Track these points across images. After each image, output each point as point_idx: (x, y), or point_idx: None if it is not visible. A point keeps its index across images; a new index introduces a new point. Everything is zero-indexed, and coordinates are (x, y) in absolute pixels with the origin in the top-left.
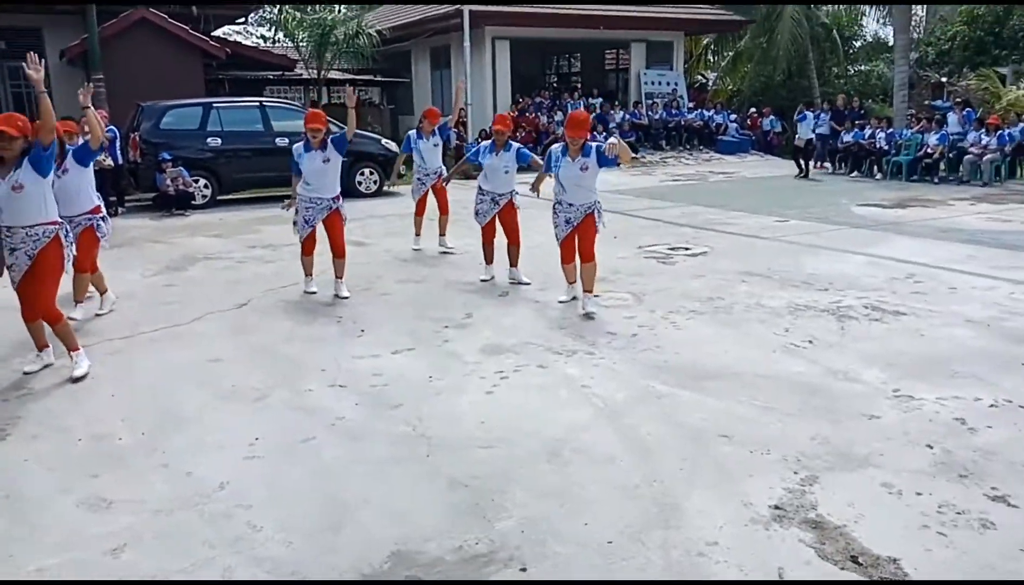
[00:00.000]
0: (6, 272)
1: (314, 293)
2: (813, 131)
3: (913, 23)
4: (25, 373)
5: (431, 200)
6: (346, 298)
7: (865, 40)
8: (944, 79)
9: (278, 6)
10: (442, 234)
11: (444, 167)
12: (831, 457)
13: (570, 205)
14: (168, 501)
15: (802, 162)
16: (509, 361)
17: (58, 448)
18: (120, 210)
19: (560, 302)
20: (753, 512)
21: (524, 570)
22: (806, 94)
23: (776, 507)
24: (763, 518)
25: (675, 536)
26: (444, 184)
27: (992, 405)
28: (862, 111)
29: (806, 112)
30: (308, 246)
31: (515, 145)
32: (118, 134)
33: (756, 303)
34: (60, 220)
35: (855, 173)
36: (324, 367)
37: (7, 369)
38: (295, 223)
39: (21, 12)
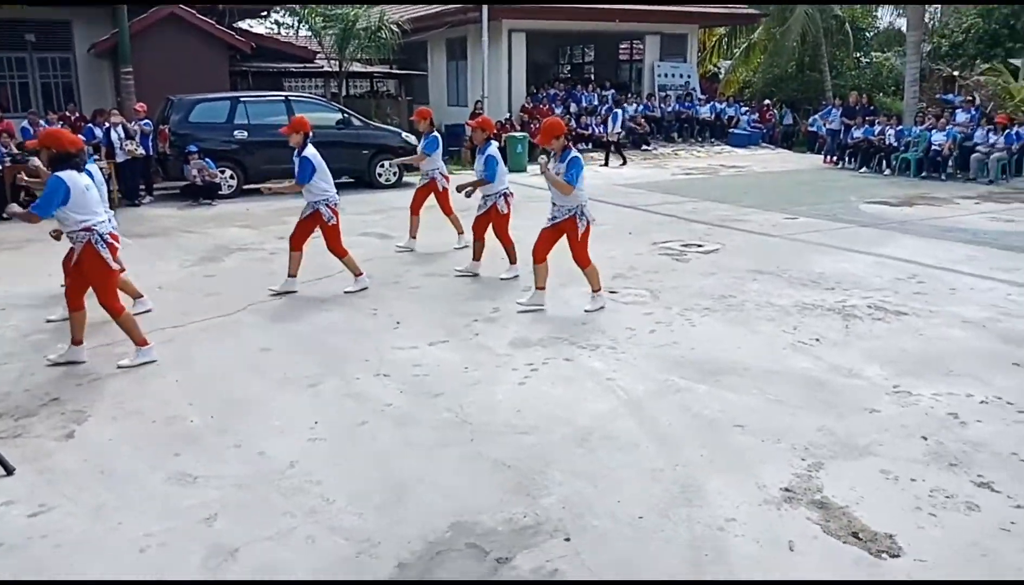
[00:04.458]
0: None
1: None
2: (621, 126)
3: (928, 15)
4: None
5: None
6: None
7: (878, 30)
8: (956, 73)
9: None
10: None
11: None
12: (835, 446)
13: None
14: (246, 477)
15: (609, 155)
16: (537, 354)
17: (137, 428)
18: (148, 199)
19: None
20: (766, 494)
21: (568, 540)
22: (818, 87)
23: (786, 489)
24: (775, 499)
25: (697, 513)
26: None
27: (983, 401)
28: (872, 107)
29: (616, 111)
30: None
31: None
32: (152, 126)
33: (766, 301)
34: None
35: (864, 169)
36: (367, 357)
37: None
38: None
39: (52, 5)
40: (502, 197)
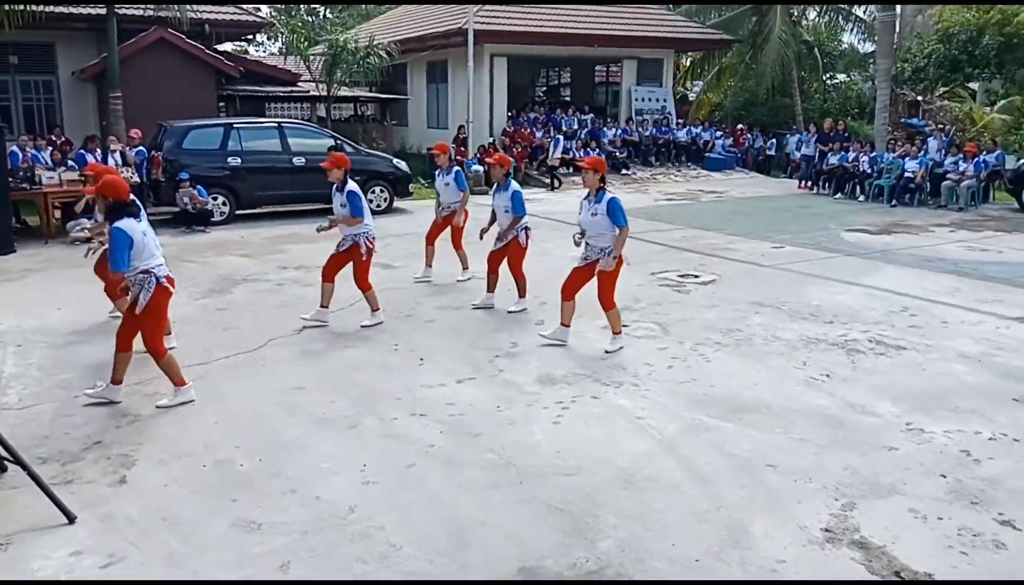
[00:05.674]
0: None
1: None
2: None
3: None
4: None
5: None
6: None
7: (843, 52)
8: (919, 97)
9: (289, 28)
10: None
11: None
12: (863, 485)
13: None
14: (310, 523)
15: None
16: (565, 392)
17: (188, 473)
18: None
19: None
20: (808, 534)
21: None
22: (788, 111)
23: (826, 530)
24: (818, 539)
25: (749, 555)
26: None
27: (991, 438)
28: (846, 134)
29: (558, 137)
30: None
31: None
32: (145, 154)
33: (772, 336)
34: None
35: (839, 194)
36: (399, 396)
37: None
38: None
39: (35, 28)
40: (523, 231)
